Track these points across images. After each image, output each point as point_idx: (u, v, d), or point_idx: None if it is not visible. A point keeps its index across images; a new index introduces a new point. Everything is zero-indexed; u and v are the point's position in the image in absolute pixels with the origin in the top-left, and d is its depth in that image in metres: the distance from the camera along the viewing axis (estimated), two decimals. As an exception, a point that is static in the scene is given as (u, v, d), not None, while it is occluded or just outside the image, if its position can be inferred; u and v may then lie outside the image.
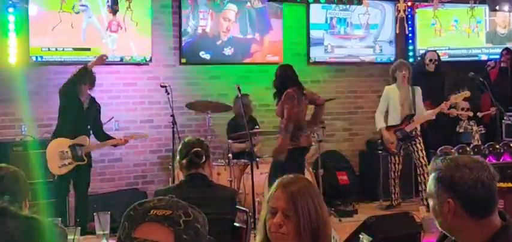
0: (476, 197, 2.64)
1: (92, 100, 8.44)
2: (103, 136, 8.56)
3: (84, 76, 8.16)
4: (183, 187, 4.82)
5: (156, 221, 1.75)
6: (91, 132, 8.44)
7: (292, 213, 2.93)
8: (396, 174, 9.79)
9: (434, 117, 9.84)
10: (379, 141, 9.97)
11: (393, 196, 9.85)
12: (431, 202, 2.77)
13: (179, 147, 5.00)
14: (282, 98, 8.14)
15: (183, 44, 9.99)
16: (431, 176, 2.76)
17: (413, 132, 9.68)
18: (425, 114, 9.76)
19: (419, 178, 9.69)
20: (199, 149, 4.88)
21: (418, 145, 9.68)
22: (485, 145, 9.59)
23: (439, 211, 2.72)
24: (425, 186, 9.29)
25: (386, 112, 9.83)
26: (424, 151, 9.66)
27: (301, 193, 2.97)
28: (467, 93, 9.74)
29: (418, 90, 9.79)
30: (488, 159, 8.75)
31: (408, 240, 6.55)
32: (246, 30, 10.45)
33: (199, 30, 10.13)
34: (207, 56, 10.19)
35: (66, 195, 8.38)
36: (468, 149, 9.08)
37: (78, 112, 8.22)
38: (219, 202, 4.80)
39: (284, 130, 8.05)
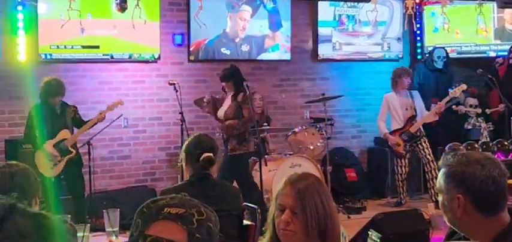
0: (487, 194, 2.64)
1: (63, 105, 8.37)
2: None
3: (52, 89, 8.16)
4: (190, 187, 4.81)
5: (170, 219, 1.76)
6: (74, 129, 8.42)
7: (300, 210, 2.92)
8: (403, 176, 9.81)
9: (437, 118, 9.82)
10: (386, 145, 9.99)
11: (401, 196, 9.87)
12: (440, 197, 2.77)
13: (189, 142, 4.92)
14: (241, 98, 8.25)
15: (206, 42, 10.08)
16: (442, 171, 2.76)
17: (418, 132, 9.71)
18: (426, 113, 9.78)
19: (427, 175, 9.70)
20: (211, 156, 4.81)
21: (423, 144, 9.71)
22: (494, 142, 9.58)
23: (449, 206, 2.72)
24: (434, 183, 9.36)
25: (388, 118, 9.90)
26: (430, 149, 9.68)
27: (309, 190, 2.97)
28: (463, 86, 9.76)
29: (416, 93, 9.87)
30: (496, 155, 8.74)
31: (417, 237, 6.56)
32: (259, 28, 10.49)
33: (220, 30, 10.23)
34: (227, 52, 10.26)
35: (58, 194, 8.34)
36: (476, 146, 9.07)
37: (53, 116, 8.21)
38: (226, 200, 4.82)
39: (243, 127, 8.24)
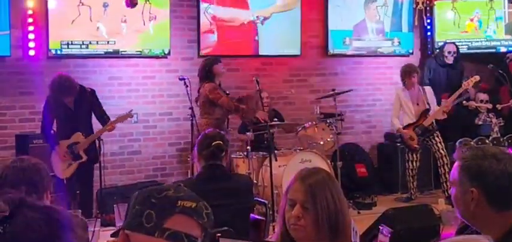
0: (501, 189, 2.63)
1: (79, 93, 8.23)
2: (108, 120, 8.42)
3: (64, 89, 8.08)
4: (203, 180, 4.86)
5: (186, 213, 1.78)
6: (97, 121, 8.42)
7: (310, 205, 2.92)
8: (414, 172, 9.78)
9: (445, 116, 9.76)
10: (399, 138, 9.96)
11: (411, 191, 9.85)
12: (453, 190, 2.76)
13: (199, 139, 5.06)
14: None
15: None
16: (457, 164, 2.74)
17: (431, 126, 9.68)
18: (439, 107, 9.74)
19: (440, 170, 9.67)
20: (221, 142, 4.94)
21: (436, 138, 9.68)
22: (505, 137, 9.55)
23: (462, 199, 2.71)
24: (447, 178, 9.32)
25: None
26: (443, 144, 9.65)
27: (320, 185, 2.97)
28: (477, 78, 9.73)
29: (429, 89, 9.84)
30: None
31: (427, 232, 6.54)
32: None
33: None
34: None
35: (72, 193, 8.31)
36: (487, 141, 9.05)
37: (66, 114, 8.18)
38: (239, 192, 4.86)
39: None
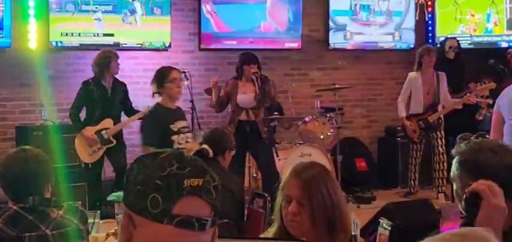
0: (499, 182, 2.63)
1: (115, 82, 8.49)
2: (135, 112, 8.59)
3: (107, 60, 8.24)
4: None
5: (193, 194, 1.69)
6: (123, 113, 8.60)
7: (306, 201, 2.92)
8: (416, 161, 9.76)
9: (461, 106, 9.70)
10: (399, 128, 9.93)
11: (412, 183, 9.83)
12: (454, 186, 2.77)
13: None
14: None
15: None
16: (455, 159, 2.75)
17: (436, 122, 9.61)
18: (451, 102, 9.66)
19: (435, 165, 9.65)
20: (205, 148, 5.12)
21: (439, 133, 9.62)
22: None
23: (462, 194, 2.71)
24: (441, 175, 9.29)
25: (409, 98, 9.75)
26: (443, 140, 9.61)
27: (315, 180, 2.96)
28: (493, 85, 9.65)
29: (443, 76, 9.69)
30: (507, 146, 8.70)
31: (427, 227, 6.53)
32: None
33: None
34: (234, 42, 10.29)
35: (98, 180, 8.53)
36: (487, 136, 9.02)
37: (103, 98, 8.29)
38: (222, 174, 4.94)
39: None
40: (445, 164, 9.48)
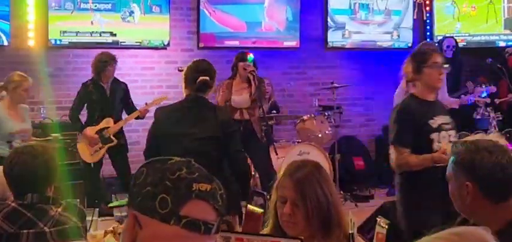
0: (495, 181, 2.65)
1: (115, 82, 8.50)
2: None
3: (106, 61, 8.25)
4: (187, 110, 5.30)
5: (202, 198, 1.74)
6: (124, 112, 8.63)
7: (300, 202, 2.92)
8: None
9: (457, 107, 9.74)
10: None
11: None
12: (450, 186, 2.78)
13: (188, 66, 5.48)
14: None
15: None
16: (451, 159, 2.77)
17: None
18: (449, 100, 9.69)
19: None
20: (207, 79, 5.26)
21: None
22: (503, 132, 9.55)
23: (458, 194, 2.73)
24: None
25: None
26: None
27: (308, 179, 2.96)
28: (493, 89, 9.72)
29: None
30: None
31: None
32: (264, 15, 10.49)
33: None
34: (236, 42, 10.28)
35: (96, 178, 8.57)
36: (485, 136, 9.06)
37: (102, 99, 8.29)
38: (214, 127, 5.20)
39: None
40: None
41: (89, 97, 8.30)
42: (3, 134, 6.82)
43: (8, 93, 6.77)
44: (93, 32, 9.34)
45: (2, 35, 8.79)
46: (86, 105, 8.37)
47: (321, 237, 2.93)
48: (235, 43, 10.23)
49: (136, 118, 8.58)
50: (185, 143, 5.18)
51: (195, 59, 5.61)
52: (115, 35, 9.44)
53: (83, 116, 8.46)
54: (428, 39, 11.60)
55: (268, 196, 5.18)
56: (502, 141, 2.90)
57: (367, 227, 6.02)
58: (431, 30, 11.63)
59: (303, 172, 2.99)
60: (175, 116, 5.43)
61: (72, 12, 9.12)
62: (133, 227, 1.74)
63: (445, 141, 4.99)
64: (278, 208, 3.00)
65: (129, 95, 8.68)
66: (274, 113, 9.37)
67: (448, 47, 10.63)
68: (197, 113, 5.30)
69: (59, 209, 3.59)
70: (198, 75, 5.27)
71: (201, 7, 9.99)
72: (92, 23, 9.31)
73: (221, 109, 5.41)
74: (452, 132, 5.12)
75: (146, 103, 8.49)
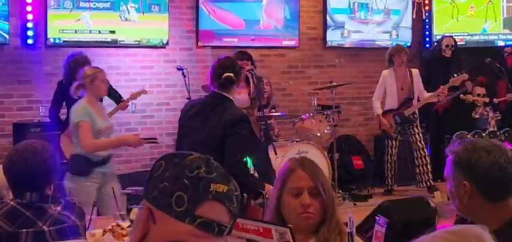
0: (493, 180, 2.65)
1: None
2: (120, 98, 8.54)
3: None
4: (210, 110, 5.42)
5: (218, 200, 1.74)
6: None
7: (317, 191, 2.92)
8: (392, 158, 9.83)
9: (437, 100, 9.86)
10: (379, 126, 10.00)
11: (389, 180, 9.88)
12: (448, 185, 2.79)
13: (213, 65, 5.56)
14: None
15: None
16: (449, 159, 2.77)
17: (412, 116, 9.72)
18: (427, 95, 9.80)
19: (416, 161, 9.74)
20: (231, 75, 5.37)
21: (415, 128, 9.74)
22: (501, 131, 9.58)
23: (456, 193, 2.73)
24: (423, 170, 9.37)
25: (384, 96, 9.91)
26: (421, 135, 9.72)
27: (319, 170, 2.99)
28: (465, 76, 9.89)
29: (416, 72, 9.85)
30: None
31: (423, 225, 6.56)
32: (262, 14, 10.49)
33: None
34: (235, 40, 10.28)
35: None
36: (484, 135, 9.07)
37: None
38: (214, 125, 5.29)
39: None
40: (427, 158, 9.60)
41: (66, 94, 8.16)
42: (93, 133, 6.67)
43: (87, 90, 6.62)
44: (92, 30, 9.33)
45: (1, 34, 8.77)
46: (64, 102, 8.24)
47: (326, 231, 2.93)
48: (233, 40, 10.22)
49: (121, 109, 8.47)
50: (193, 137, 5.36)
51: (220, 56, 5.84)
52: (114, 33, 9.42)
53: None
54: (427, 39, 11.62)
55: (267, 195, 5.20)
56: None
57: (366, 227, 6.02)
58: (430, 30, 11.64)
59: (312, 164, 3.03)
60: (194, 110, 5.62)
61: (71, 11, 9.11)
62: (147, 220, 1.74)
63: None
64: (289, 203, 2.96)
65: (112, 87, 8.32)
66: (273, 112, 9.36)
67: (447, 46, 10.66)
68: (210, 110, 5.42)
69: (58, 208, 3.59)
70: (222, 72, 5.38)
71: (200, 5, 9.98)
72: (91, 21, 9.27)
73: (231, 109, 5.39)
74: None
75: (122, 100, 8.42)
